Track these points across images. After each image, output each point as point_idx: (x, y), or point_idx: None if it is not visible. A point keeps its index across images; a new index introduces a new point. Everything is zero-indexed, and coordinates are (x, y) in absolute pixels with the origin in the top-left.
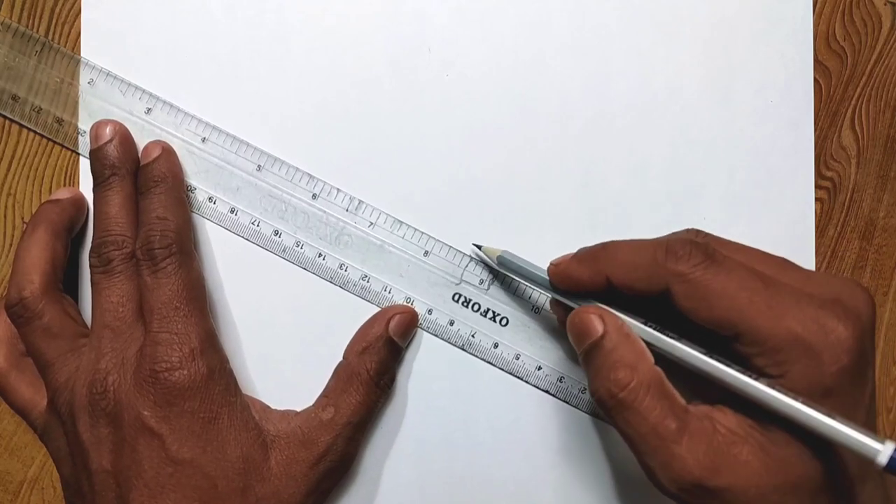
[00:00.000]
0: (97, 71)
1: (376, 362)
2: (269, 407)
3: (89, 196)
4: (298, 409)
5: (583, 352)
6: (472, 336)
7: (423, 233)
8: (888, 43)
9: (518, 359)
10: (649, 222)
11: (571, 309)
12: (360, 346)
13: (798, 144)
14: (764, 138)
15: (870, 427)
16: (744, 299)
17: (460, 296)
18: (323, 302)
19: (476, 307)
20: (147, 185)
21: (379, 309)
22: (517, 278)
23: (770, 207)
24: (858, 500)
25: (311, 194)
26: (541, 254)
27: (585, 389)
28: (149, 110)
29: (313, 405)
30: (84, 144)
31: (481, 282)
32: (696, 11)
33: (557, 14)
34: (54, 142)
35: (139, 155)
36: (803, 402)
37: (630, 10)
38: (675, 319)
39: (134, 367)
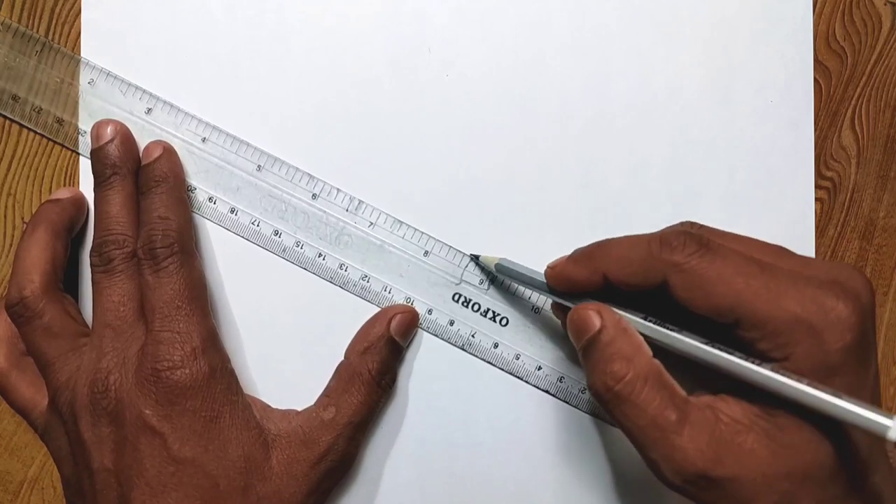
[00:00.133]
0: (97, 71)
1: (378, 362)
2: (269, 406)
3: (89, 196)
4: (299, 409)
5: (581, 348)
6: (472, 336)
7: (423, 233)
8: (888, 43)
9: (518, 359)
10: (649, 222)
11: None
12: (361, 345)
13: (798, 144)
14: (764, 138)
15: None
16: (741, 284)
17: (460, 296)
18: (323, 302)
19: (476, 307)
20: (149, 184)
21: (379, 309)
22: (516, 283)
23: (770, 207)
24: (869, 488)
25: (311, 194)
26: (541, 254)
27: (585, 389)
28: (149, 110)
29: (314, 405)
30: (84, 144)
31: (481, 282)
32: (696, 11)
33: (557, 14)
34: (54, 142)
35: (140, 155)
36: (808, 384)
37: (630, 10)
38: (675, 313)
39: (135, 366)
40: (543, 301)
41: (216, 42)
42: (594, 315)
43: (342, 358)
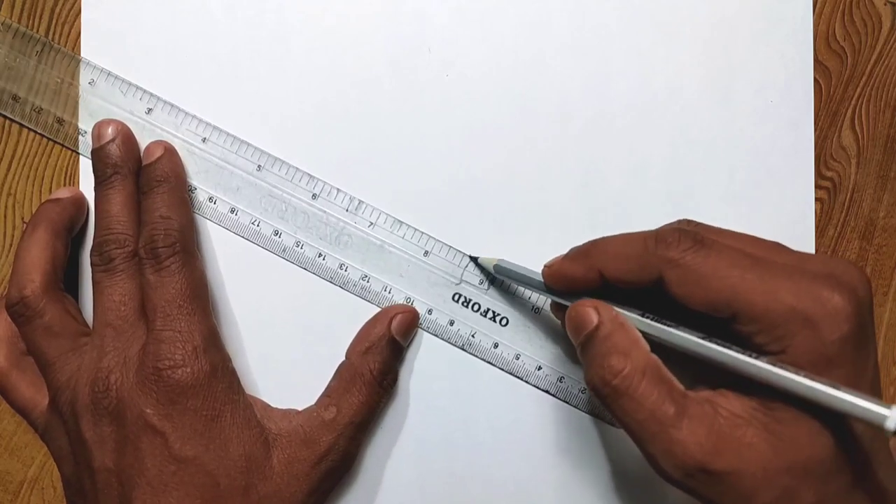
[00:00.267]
0: (97, 71)
1: (379, 362)
2: (270, 406)
3: (89, 196)
4: (299, 409)
5: (579, 344)
6: (472, 336)
7: (423, 233)
8: (888, 43)
9: (518, 359)
10: (649, 222)
11: None
12: (362, 346)
13: (798, 144)
14: (764, 138)
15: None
16: (736, 277)
17: (460, 296)
18: (323, 302)
19: (476, 307)
20: (150, 184)
21: (379, 309)
22: (515, 284)
23: (770, 207)
24: (873, 484)
25: (311, 194)
26: (541, 254)
27: (585, 389)
28: (149, 110)
29: (315, 404)
30: (84, 144)
31: (481, 282)
32: (696, 11)
33: (557, 14)
34: (55, 142)
35: (141, 155)
36: (806, 376)
37: (630, 10)
38: (672, 310)
39: (136, 366)
40: (543, 301)
41: (216, 42)
42: (591, 311)
43: (343, 358)
